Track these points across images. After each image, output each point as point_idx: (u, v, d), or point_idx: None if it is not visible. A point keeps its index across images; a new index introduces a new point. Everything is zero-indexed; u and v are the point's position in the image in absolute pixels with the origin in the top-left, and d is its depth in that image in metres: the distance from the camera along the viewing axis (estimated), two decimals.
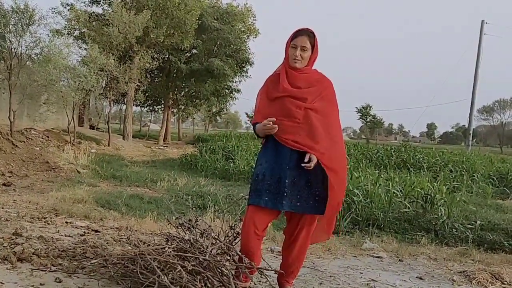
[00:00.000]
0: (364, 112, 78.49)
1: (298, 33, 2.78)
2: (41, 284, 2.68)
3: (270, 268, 3.13)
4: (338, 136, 2.81)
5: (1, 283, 2.65)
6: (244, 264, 2.70)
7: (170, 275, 2.36)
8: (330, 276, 3.59)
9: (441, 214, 6.12)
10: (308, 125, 2.69)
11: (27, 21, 12.28)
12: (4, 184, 7.06)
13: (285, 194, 2.65)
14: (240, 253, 2.79)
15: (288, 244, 2.90)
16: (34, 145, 11.52)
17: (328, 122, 2.75)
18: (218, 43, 26.84)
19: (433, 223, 6.01)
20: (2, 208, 5.05)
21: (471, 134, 29.51)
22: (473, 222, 5.81)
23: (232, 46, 28.02)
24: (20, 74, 12.46)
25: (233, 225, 3.26)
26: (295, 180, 2.67)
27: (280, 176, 2.68)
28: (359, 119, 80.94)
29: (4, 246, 3.26)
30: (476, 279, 3.64)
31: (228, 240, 3.10)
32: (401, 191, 7.29)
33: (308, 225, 2.80)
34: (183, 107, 34.98)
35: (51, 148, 11.95)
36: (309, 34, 2.77)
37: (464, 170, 12.64)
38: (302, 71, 2.79)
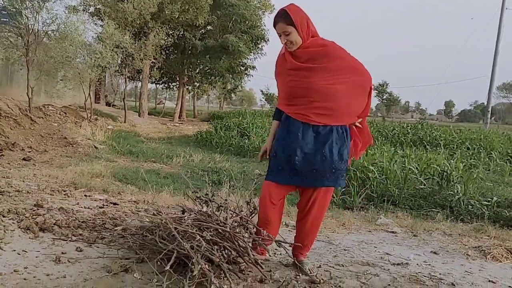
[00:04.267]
0: (380, 89, 77.43)
1: (274, 21, 2.71)
2: (62, 253, 2.77)
3: (285, 241, 3.18)
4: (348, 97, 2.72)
5: (25, 251, 2.74)
6: (261, 236, 2.78)
7: (189, 244, 2.41)
8: (344, 250, 3.63)
9: (457, 191, 6.09)
10: (320, 95, 2.68)
11: None
12: (24, 159, 7.20)
13: (295, 170, 2.70)
14: (257, 226, 2.86)
15: (302, 217, 2.93)
16: (52, 121, 11.70)
17: (338, 87, 2.69)
18: (233, 19, 26.52)
19: (449, 199, 5.99)
20: (23, 181, 5.17)
21: (490, 112, 28.94)
22: (489, 199, 5.77)
23: (247, 22, 27.67)
24: (37, 51, 12.55)
25: (249, 200, 3.30)
26: (308, 156, 2.69)
27: (290, 154, 2.71)
28: (375, 96, 79.93)
29: (26, 217, 3.36)
30: (491, 254, 3.64)
31: (245, 214, 3.15)
32: (417, 168, 7.26)
33: (322, 197, 2.83)
34: (198, 84, 34.91)
35: (68, 124, 12.11)
36: (282, 16, 2.66)
37: (482, 148, 12.49)
38: (303, 47, 2.72)
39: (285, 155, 2.73)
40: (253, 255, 2.60)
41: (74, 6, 17.49)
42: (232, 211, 3.04)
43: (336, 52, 2.71)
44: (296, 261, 2.94)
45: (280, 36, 2.71)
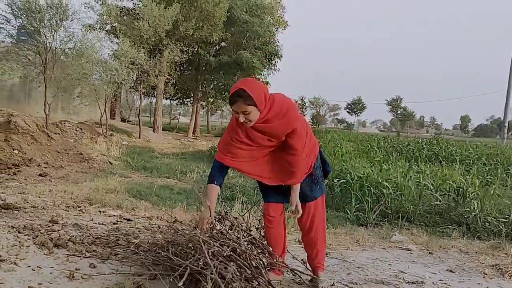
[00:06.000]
0: (394, 104, 77.21)
1: (231, 100, 2.57)
2: (76, 269, 2.78)
3: (296, 258, 3.16)
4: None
5: (39, 267, 2.76)
6: (275, 259, 2.86)
7: (201, 260, 2.41)
8: (358, 267, 3.59)
9: (474, 208, 5.98)
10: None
11: (61, 16, 12.59)
12: (40, 175, 7.29)
13: (286, 191, 2.87)
14: (271, 250, 2.91)
15: (303, 227, 3.00)
16: (69, 137, 11.86)
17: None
18: (247, 36, 26.81)
19: (465, 216, 5.89)
20: (39, 197, 5.23)
21: (507, 127, 28.49)
22: (506, 216, 5.65)
23: (261, 38, 27.94)
24: (55, 68, 12.80)
25: (259, 225, 3.33)
26: None
27: (276, 185, 2.86)
28: (389, 111, 79.71)
29: (41, 233, 3.40)
30: (508, 272, 3.57)
31: (258, 236, 3.17)
32: (432, 184, 7.17)
33: (316, 206, 2.95)
34: (212, 100, 35.21)
35: (84, 140, 12.27)
36: (243, 96, 2.52)
37: (499, 163, 12.27)
38: (261, 121, 2.64)
39: (272, 186, 2.87)
40: (267, 274, 2.61)
41: (91, 24, 17.84)
42: (244, 230, 3.05)
43: (291, 125, 2.68)
44: (313, 277, 2.99)
45: (236, 113, 2.59)
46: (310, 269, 3.05)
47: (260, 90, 2.59)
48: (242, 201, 5.92)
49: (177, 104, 43.75)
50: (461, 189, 6.70)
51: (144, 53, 17.24)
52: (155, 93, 24.52)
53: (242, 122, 2.60)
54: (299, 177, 2.79)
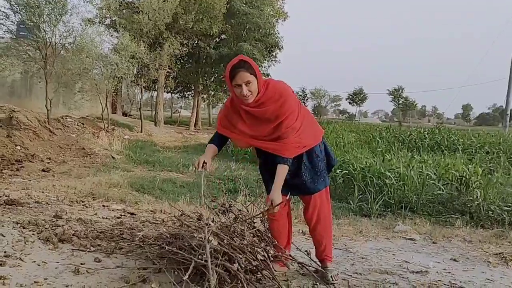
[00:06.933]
0: (396, 94, 76.98)
1: (234, 71, 2.54)
2: (81, 264, 2.79)
3: (300, 249, 3.17)
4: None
5: (44, 262, 2.77)
6: (280, 251, 2.86)
7: (205, 255, 2.41)
8: (362, 258, 3.60)
9: (477, 197, 5.98)
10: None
11: (60, 10, 12.50)
12: (43, 170, 7.31)
13: (289, 183, 2.81)
14: (277, 243, 2.92)
15: (310, 220, 2.97)
16: (70, 132, 11.86)
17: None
18: (247, 27, 26.68)
19: (468, 205, 5.89)
20: (43, 192, 5.25)
21: (509, 115, 28.36)
22: (510, 204, 5.66)
23: (261, 30, 27.81)
24: (55, 63, 12.74)
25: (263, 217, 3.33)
26: (295, 171, 2.81)
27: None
28: (391, 101, 79.51)
29: (46, 228, 3.41)
30: None
31: (262, 229, 3.17)
32: (434, 173, 7.16)
33: (320, 198, 2.90)
34: (213, 92, 35.13)
35: (86, 135, 12.27)
36: (244, 66, 2.53)
37: (501, 151, 12.24)
38: (257, 104, 2.64)
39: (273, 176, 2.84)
40: (273, 267, 2.62)
41: (90, 18, 17.74)
42: (248, 223, 3.05)
43: (288, 108, 2.65)
44: (320, 269, 2.98)
45: (237, 86, 2.56)
46: (315, 260, 3.05)
47: (255, 64, 2.61)
48: (245, 193, 5.91)
49: (178, 98, 43.67)
50: (463, 178, 6.69)
51: (144, 46, 17.18)
52: (156, 86, 24.48)
53: (244, 95, 2.56)
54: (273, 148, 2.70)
